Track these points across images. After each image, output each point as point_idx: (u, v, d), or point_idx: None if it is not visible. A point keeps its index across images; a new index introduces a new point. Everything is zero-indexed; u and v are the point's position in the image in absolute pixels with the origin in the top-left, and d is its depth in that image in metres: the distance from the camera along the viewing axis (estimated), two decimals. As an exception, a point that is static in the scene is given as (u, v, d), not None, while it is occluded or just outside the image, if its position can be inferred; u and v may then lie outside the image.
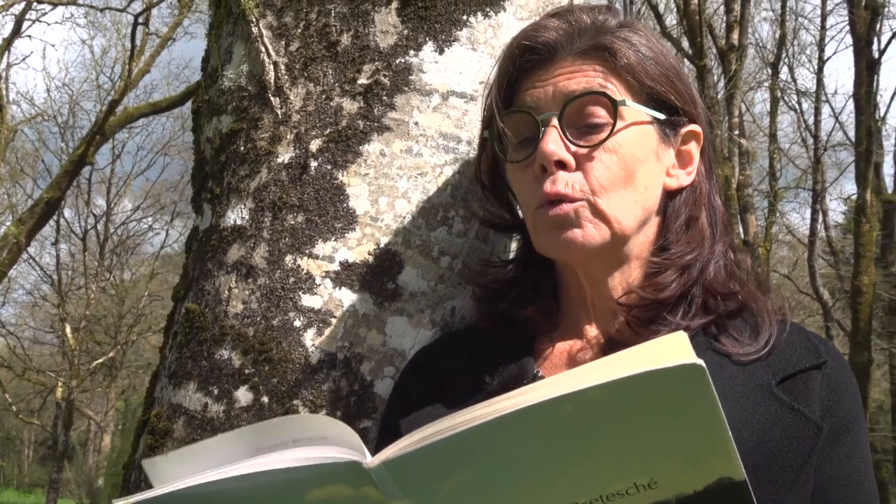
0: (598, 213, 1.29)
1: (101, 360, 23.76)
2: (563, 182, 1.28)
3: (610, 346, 1.33)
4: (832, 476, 1.24)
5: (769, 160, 19.51)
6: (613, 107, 1.29)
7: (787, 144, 22.00)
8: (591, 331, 1.37)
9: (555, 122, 1.29)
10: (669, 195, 1.38)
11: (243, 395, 1.48)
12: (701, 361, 0.86)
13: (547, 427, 0.90)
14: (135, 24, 16.70)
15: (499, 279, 1.45)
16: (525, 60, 1.34)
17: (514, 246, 1.58)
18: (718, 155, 12.59)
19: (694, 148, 1.39)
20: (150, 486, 1.54)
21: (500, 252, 1.59)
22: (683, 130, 1.37)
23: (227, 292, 1.53)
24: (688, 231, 1.36)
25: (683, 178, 1.38)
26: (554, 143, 1.28)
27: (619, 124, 1.29)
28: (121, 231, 27.02)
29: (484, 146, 1.43)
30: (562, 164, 1.28)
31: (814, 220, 19.16)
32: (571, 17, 1.35)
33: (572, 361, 1.35)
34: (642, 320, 1.31)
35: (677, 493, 0.94)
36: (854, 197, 17.47)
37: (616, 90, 1.30)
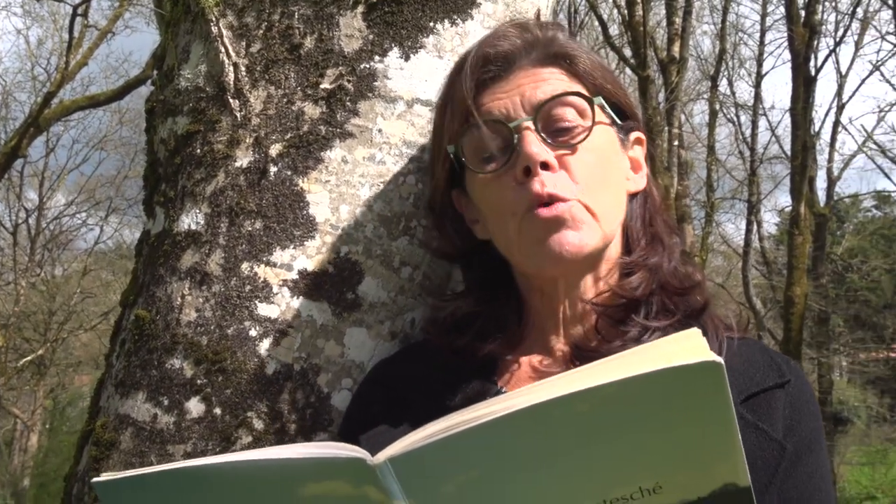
0: (589, 211, 1.28)
1: (29, 358, 23.14)
2: (553, 183, 1.26)
3: (577, 355, 1.31)
4: (794, 496, 1.24)
5: (707, 171, 19.81)
6: (590, 105, 1.30)
7: (724, 156, 22.39)
8: (558, 342, 1.35)
9: (529, 125, 1.28)
10: (628, 199, 1.39)
11: (195, 407, 1.43)
12: (720, 359, 0.84)
13: (559, 425, 0.88)
14: (73, 16, 16.31)
15: (455, 314, 1.40)
16: (485, 71, 1.33)
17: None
18: (659, 165, 12.75)
19: (640, 154, 1.42)
20: (92, 500, 1.49)
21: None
22: (633, 136, 1.41)
23: (179, 299, 1.48)
24: (646, 233, 1.38)
25: (639, 181, 1.41)
26: (535, 144, 1.26)
27: (595, 120, 1.30)
28: (53, 226, 26.38)
29: (441, 166, 1.38)
30: (546, 166, 1.26)
31: (748, 230, 19.47)
32: (524, 31, 1.36)
33: (539, 375, 1.33)
34: (614, 320, 1.31)
35: (681, 499, 0.92)
36: (788, 209, 17.83)
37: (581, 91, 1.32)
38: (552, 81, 1.31)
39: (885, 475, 24.38)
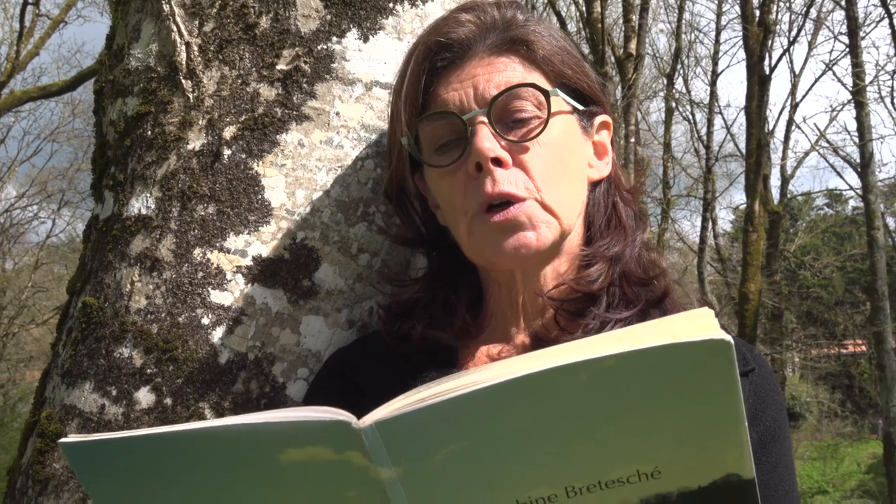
0: (546, 209, 1.24)
1: (-22, 353, 22.72)
2: (506, 181, 1.22)
3: (537, 344, 1.29)
4: (759, 487, 1.22)
5: (663, 168, 19.97)
6: (546, 98, 1.25)
7: (680, 154, 22.58)
8: (517, 332, 1.33)
9: (483, 118, 1.24)
10: (591, 186, 1.35)
11: (144, 397, 1.38)
12: (729, 337, 0.80)
13: (557, 396, 0.83)
14: (24, 5, 16.03)
15: (402, 301, 1.37)
16: (440, 59, 1.29)
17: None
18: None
19: (606, 137, 1.39)
20: (37, 494, 1.43)
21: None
22: (598, 120, 1.37)
23: (129, 286, 1.43)
24: (609, 221, 1.35)
25: (603, 168, 1.37)
26: (488, 139, 1.22)
27: (550, 113, 1.26)
28: (3, 219, 25.89)
29: (398, 155, 1.34)
30: (498, 162, 1.23)
31: (704, 227, 19.66)
32: (480, 12, 1.31)
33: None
34: (572, 314, 1.28)
35: (680, 487, 0.88)
36: (743, 207, 18.03)
37: (538, 81, 1.28)
38: (507, 72, 1.27)
39: (835, 469, 24.79)
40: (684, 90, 21.27)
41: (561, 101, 1.29)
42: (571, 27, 15.97)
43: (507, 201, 1.23)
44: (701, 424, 0.86)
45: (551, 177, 1.25)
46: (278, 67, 1.45)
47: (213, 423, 0.93)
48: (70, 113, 25.03)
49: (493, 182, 1.22)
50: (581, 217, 1.33)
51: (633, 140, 14.61)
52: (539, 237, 1.24)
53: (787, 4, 18.35)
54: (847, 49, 16.45)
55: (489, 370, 0.86)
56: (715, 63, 20.35)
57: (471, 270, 1.37)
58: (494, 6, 1.33)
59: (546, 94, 1.26)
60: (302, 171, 1.43)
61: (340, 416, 0.87)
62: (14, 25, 17.67)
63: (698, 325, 0.84)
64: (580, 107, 1.33)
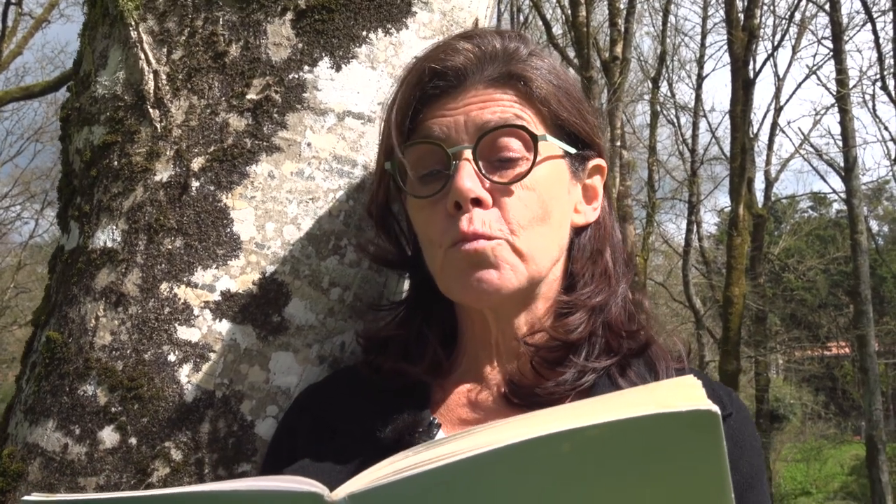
0: (516, 252, 1.21)
1: (-40, 355, 22.57)
2: (480, 220, 1.19)
3: (511, 388, 1.26)
4: None
5: (648, 171, 20.02)
6: (533, 142, 1.21)
7: (665, 157, 22.66)
8: (492, 372, 1.29)
9: (468, 154, 1.20)
10: (575, 232, 1.32)
11: (108, 436, 1.34)
12: (716, 408, 0.78)
13: (539, 467, 0.81)
14: (7, 4, 15.90)
15: (378, 329, 1.35)
16: (432, 86, 1.24)
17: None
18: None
19: (598, 182, 1.34)
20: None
21: (394, 286, 1.49)
22: (591, 164, 1.33)
23: (93, 321, 1.39)
24: (594, 268, 1.31)
25: (590, 214, 1.33)
26: (469, 178, 1.19)
27: (537, 159, 1.22)
28: (-14, 219, 25.72)
29: (383, 177, 1.32)
30: (478, 202, 1.19)
31: (689, 230, 19.75)
32: (481, 41, 1.27)
33: (472, 406, 1.27)
34: (549, 361, 1.25)
35: None
36: (727, 210, 18.08)
37: (531, 122, 1.23)
38: (500, 108, 1.23)
39: (819, 471, 24.91)
40: (669, 94, 21.34)
41: (551, 145, 1.25)
42: (557, 30, 15.96)
43: (478, 237, 1.20)
44: (686, 496, 0.84)
45: (529, 221, 1.22)
46: (248, 97, 1.41)
47: (185, 489, 0.91)
48: (53, 113, 24.86)
49: (470, 221, 1.19)
50: (561, 263, 1.30)
51: (618, 143, 14.62)
52: (502, 277, 1.20)
53: (772, 9, 18.43)
54: (831, 53, 16.53)
55: (468, 438, 0.83)
56: (700, 66, 20.45)
57: (447, 303, 1.34)
58: (498, 35, 1.28)
59: (535, 138, 1.22)
60: (272, 203, 1.40)
61: (313, 487, 0.84)
62: (-4, 25, 17.52)
63: (685, 394, 0.82)
64: (572, 150, 1.28)
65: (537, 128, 1.24)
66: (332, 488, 0.85)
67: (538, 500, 0.83)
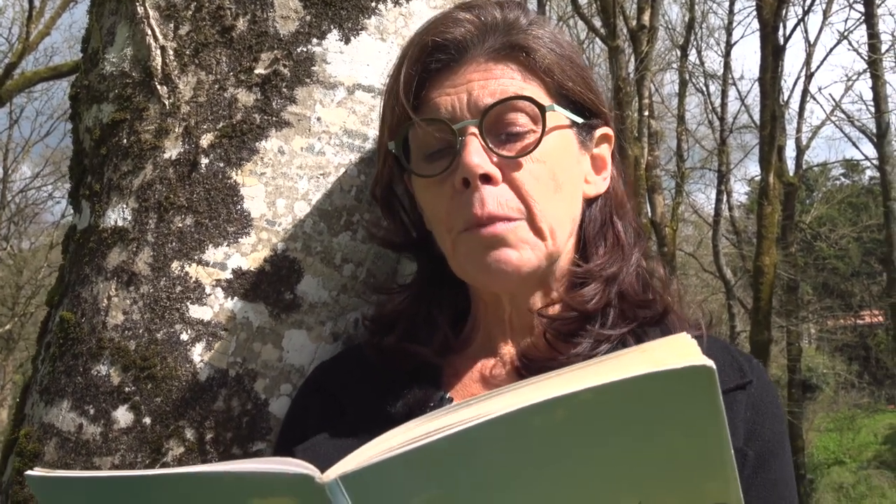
0: (536, 230, 1.18)
1: (-3, 333, 22.89)
2: (494, 201, 1.16)
3: (525, 362, 1.24)
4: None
5: (677, 141, 19.80)
6: (541, 112, 1.18)
7: (694, 126, 22.39)
8: (505, 347, 1.27)
9: (474, 130, 1.17)
10: (587, 203, 1.29)
11: (122, 416, 1.34)
12: (711, 363, 0.76)
13: (533, 435, 0.79)
14: (33, -15, 15.96)
15: (386, 312, 1.33)
16: (433, 60, 1.21)
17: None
18: (629, 135, 12.69)
19: (606, 151, 1.32)
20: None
21: (407, 262, 1.47)
22: (598, 133, 1.30)
23: (106, 301, 1.38)
24: (605, 239, 1.29)
25: (601, 184, 1.31)
26: (477, 154, 1.16)
27: (545, 130, 1.19)
28: (19, 199, 25.98)
29: (386, 158, 1.29)
30: (487, 178, 1.16)
31: (718, 200, 19.52)
32: (481, 11, 1.23)
33: (485, 381, 1.26)
34: (563, 334, 1.23)
35: None
36: (758, 178, 17.87)
37: (536, 93, 1.20)
38: (503, 81, 1.20)
39: (852, 440, 24.75)
40: (698, 62, 21.06)
41: (558, 115, 1.22)
42: (582, 0, 15.77)
43: (495, 220, 1.17)
44: (685, 455, 0.82)
45: (542, 195, 1.19)
46: (256, 72, 1.39)
47: (178, 469, 0.91)
48: (82, 92, 25.00)
49: (482, 203, 1.16)
50: (573, 235, 1.27)
51: (646, 113, 14.48)
52: (521, 258, 1.18)
53: (802, -28, 18.09)
54: (862, 17, 16.22)
55: (458, 412, 0.81)
56: (729, 34, 20.14)
57: (458, 283, 1.32)
58: (497, 6, 1.25)
59: (542, 109, 1.19)
60: (282, 179, 1.38)
61: (304, 469, 0.82)
62: (24, 5, 17.63)
63: (679, 351, 0.80)
64: (579, 120, 1.26)
65: (543, 98, 1.21)
66: None
67: (536, 470, 0.81)
